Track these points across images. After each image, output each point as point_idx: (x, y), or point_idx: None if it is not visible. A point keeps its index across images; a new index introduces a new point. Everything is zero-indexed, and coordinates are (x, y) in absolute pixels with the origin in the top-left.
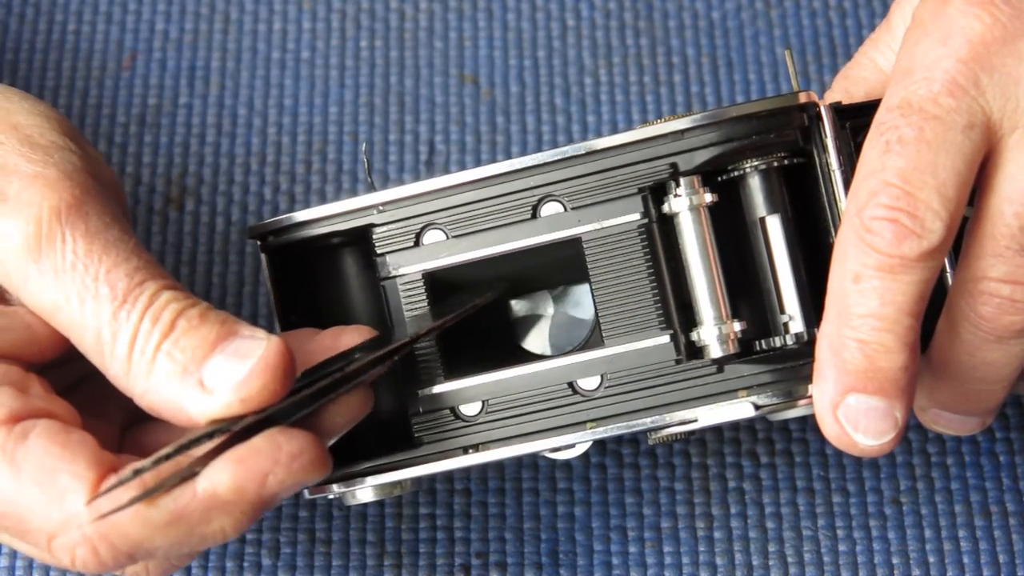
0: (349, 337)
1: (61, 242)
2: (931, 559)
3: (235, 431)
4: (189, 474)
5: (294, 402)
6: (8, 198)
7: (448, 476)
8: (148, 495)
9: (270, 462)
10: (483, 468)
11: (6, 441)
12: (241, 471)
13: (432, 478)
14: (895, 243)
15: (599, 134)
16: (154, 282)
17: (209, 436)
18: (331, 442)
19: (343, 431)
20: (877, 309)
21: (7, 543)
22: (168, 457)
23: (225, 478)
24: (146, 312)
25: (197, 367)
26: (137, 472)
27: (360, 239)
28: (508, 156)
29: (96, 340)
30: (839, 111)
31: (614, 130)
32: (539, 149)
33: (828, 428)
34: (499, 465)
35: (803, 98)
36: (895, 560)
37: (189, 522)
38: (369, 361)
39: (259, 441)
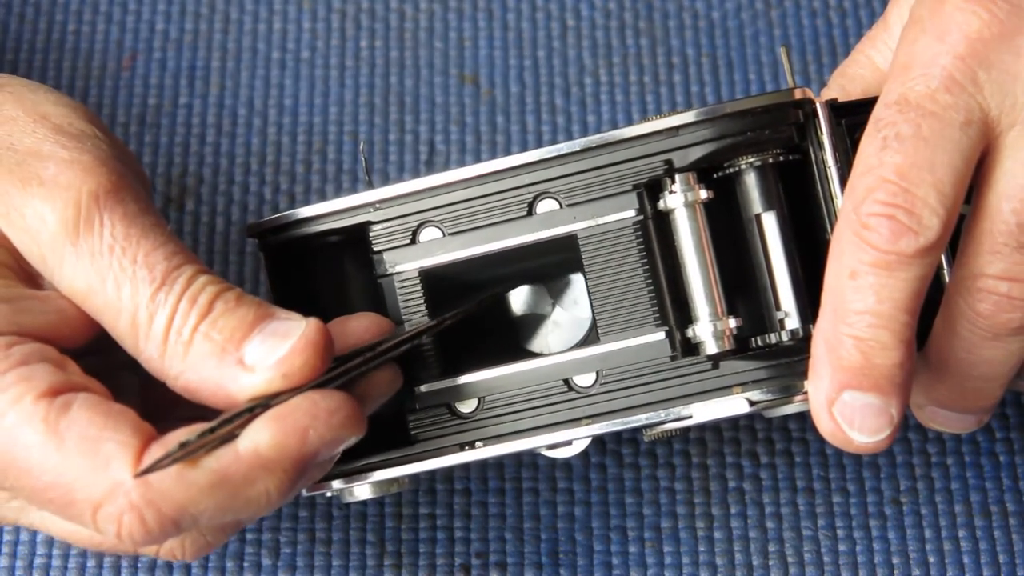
0: (356, 323)
1: (99, 225)
2: (931, 559)
3: (274, 405)
4: (230, 437)
5: (328, 379)
6: (45, 182)
7: (448, 476)
8: (190, 454)
9: (309, 417)
10: (483, 467)
11: (48, 412)
12: (281, 428)
13: (432, 477)
14: (892, 239)
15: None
16: (191, 266)
17: (250, 411)
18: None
19: (375, 405)
20: (873, 306)
21: (43, 527)
22: (212, 432)
23: (266, 436)
24: (184, 294)
25: (236, 347)
26: (183, 445)
27: (357, 237)
28: (508, 156)
29: (131, 323)
30: (835, 108)
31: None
32: (539, 149)
33: (823, 425)
34: (499, 465)
35: (798, 94)
36: (895, 560)
37: (234, 483)
38: (396, 342)
39: (296, 400)
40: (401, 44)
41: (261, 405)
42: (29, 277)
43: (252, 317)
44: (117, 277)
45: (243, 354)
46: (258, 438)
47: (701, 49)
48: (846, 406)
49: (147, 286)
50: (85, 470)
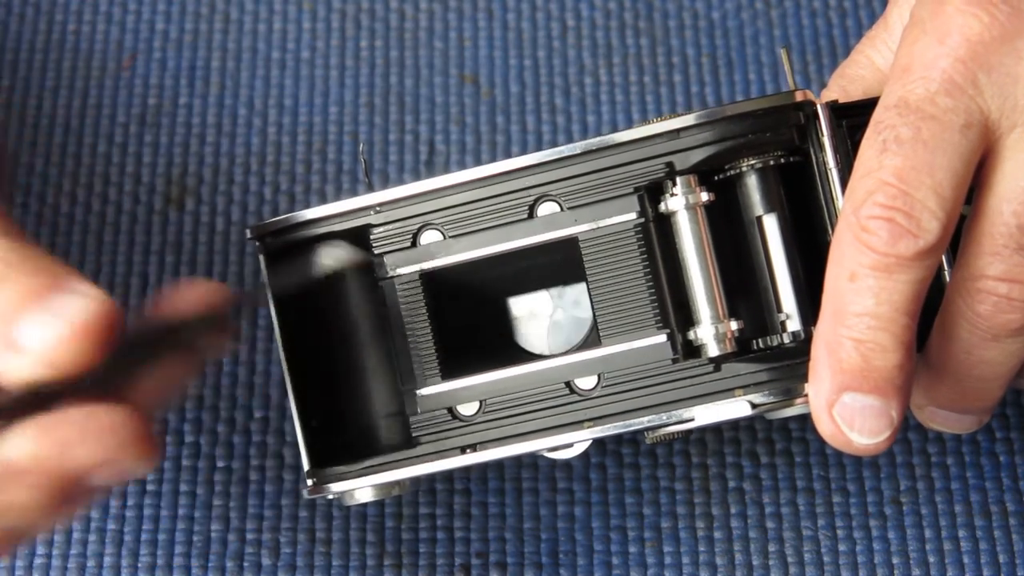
0: (188, 292)
1: None
2: (931, 559)
3: (45, 397)
4: None
5: (114, 368)
6: None
7: (448, 476)
8: None
9: (78, 433)
10: (483, 468)
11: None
12: (42, 440)
13: (432, 478)
14: (891, 242)
15: (599, 134)
16: None
17: (20, 403)
18: (159, 413)
19: (168, 401)
20: (873, 308)
21: None
22: None
23: (23, 445)
24: None
25: (9, 322)
26: None
27: (358, 240)
28: (508, 156)
29: None
30: (835, 109)
31: (614, 130)
32: (539, 149)
33: (824, 427)
34: (499, 465)
35: (799, 96)
36: (895, 560)
37: None
38: (196, 326)
39: (70, 411)
40: (401, 44)
41: (28, 399)
42: None
43: (37, 286)
44: None
45: (17, 331)
46: (14, 446)
47: (701, 49)
48: (846, 408)
49: None
50: None
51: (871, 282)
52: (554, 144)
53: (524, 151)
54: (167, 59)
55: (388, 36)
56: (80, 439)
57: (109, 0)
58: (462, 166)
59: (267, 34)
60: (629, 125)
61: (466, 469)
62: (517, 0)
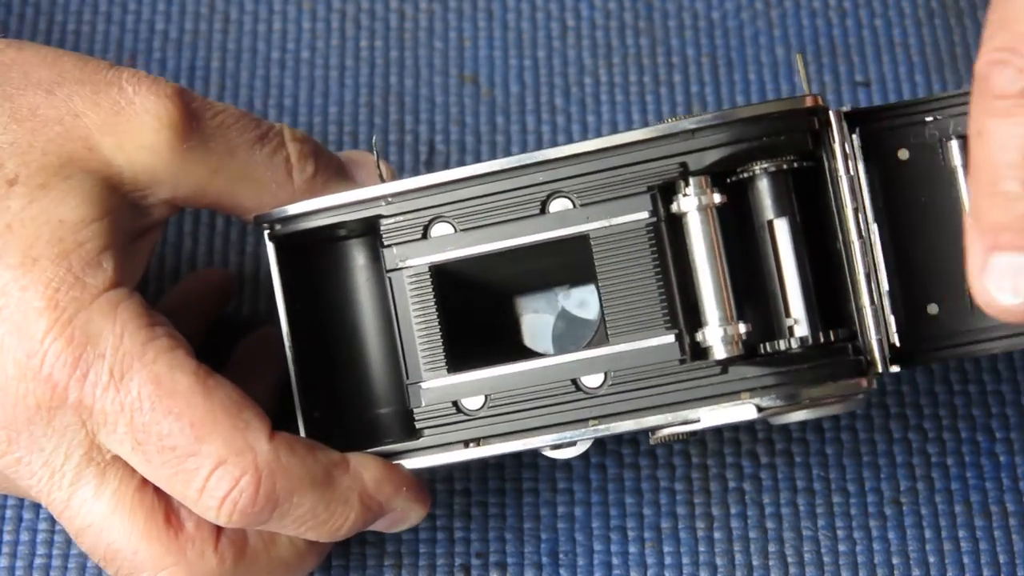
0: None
1: None
2: (931, 559)
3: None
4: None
5: None
6: None
7: (448, 476)
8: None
9: (406, 481)
10: (483, 468)
11: (200, 368)
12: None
13: (431, 477)
14: (1009, 83)
15: (599, 134)
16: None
17: None
18: None
19: None
20: (996, 155)
21: (147, 460)
22: None
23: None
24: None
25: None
26: None
27: (367, 230)
28: (508, 156)
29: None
30: (849, 116)
31: (614, 130)
32: (539, 149)
33: (978, 297)
34: (499, 465)
35: (809, 102)
36: (895, 560)
37: (331, 492)
38: None
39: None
40: (401, 44)
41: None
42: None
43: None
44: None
45: None
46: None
47: (701, 49)
48: (994, 270)
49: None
50: (225, 426)
51: (991, 127)
52: (554, 144)
53: (524, 151)
54: (167, 59)
55: (388, 36)
56: (405, 484)
57: (109, 0)
58: (462, 166)
59: (267, 34)
60: (629, 125)
61: (466, 468)
62: (517, 0)
